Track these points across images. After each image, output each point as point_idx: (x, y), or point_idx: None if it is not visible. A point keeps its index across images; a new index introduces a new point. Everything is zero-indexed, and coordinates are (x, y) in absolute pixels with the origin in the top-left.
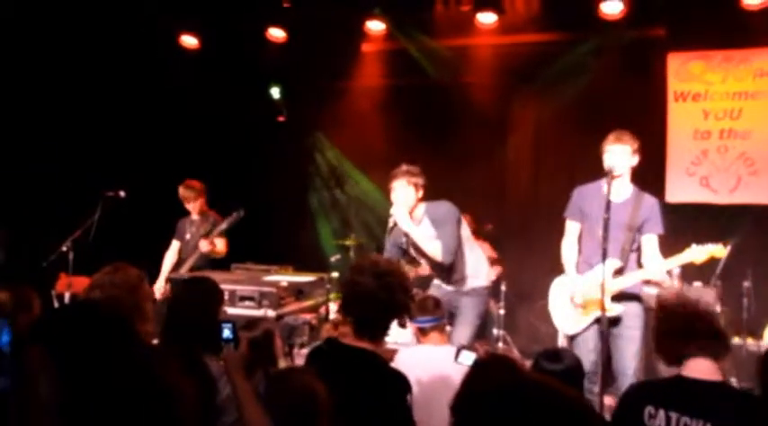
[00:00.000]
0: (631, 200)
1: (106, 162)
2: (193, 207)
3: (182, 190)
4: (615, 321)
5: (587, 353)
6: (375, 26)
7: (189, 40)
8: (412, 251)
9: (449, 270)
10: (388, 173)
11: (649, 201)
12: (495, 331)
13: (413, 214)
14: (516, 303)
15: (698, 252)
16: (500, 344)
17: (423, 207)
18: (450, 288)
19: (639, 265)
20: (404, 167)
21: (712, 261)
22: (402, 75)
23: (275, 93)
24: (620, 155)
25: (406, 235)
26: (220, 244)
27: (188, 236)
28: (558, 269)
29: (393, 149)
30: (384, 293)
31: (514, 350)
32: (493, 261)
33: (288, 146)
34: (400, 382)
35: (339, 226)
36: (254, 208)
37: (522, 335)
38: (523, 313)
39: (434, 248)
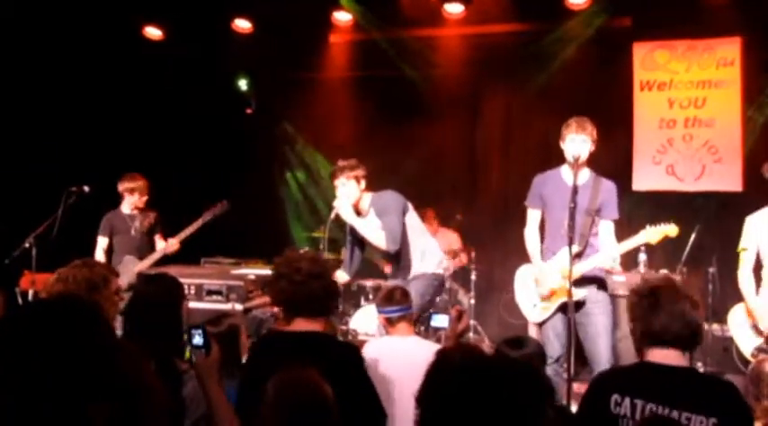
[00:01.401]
0: (590, 185)
1: (69, 156)
2: (139, 202)
3: (130, 183)
4: (579, 305)
5: (554, 339)
6: (342, 17)
7: (153, 32)
8: (359, 244)
9: (395, 259)
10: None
11: (607, 185)
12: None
13: (359, 206)
14: (487, 292)
15: (652, 233)
16: (471, 334)
17: (368, 197)
18: (399, 276)
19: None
20: (340, 163)
21: (678, 249)
22: (370, 66)
23: (243, 85)
24: (584, 143)
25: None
26: (175, 246)
27: (133, 232)
28: (528, 258)
29: (362, 140)
30: (296, 284)
31: (486, 339)
32: (459, 252)
33: (256, 138)
34: (352, 353)
35: (309, 218)
36: (223, 201)
37: (493, 324)
38: (494, 302)
39: (378, 237)
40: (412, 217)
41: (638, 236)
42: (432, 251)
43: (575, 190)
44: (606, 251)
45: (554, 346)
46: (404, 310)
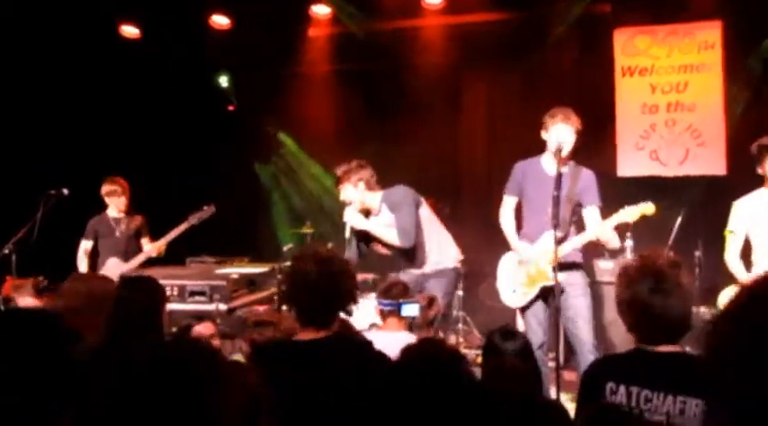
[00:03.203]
0: (570, 173)
1: (48, 159)
2: (120, 204)
3: (110, 187)
4: (561, 290)
5: (537, 327)
6: (320, 10)
7: (130, 31)
8: (375, 245)
9: (411, 254)
10: (340, 157)
11: (586, 174)
12: (454, 312)
13: (369, 205)
14: (474, 283)
15: (630, 212)
16: (460, 325)
17: (379, 195)
18: (416, 271)
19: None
20: (339, 170)
21: (664, 233)
22: (350, 59)
23: (223, 82)
24: (569, 134)
25: (365, 232)
26: (161, 248)
27: (117, 235)
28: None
29: (345, 134)
30: (326, 281)
31: (474, 330)
32: None
33: (239, 134)
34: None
35: (294, 214)
36: (208, 201)
37: (481, 315)
38: (482, 293)
39: (391, 236)
40: (425, 211)
41: (617, 215)
42: (448, 243)
43: (558, 177)
44: (591, 227)
45: (537, 333)
46: (394, 306)
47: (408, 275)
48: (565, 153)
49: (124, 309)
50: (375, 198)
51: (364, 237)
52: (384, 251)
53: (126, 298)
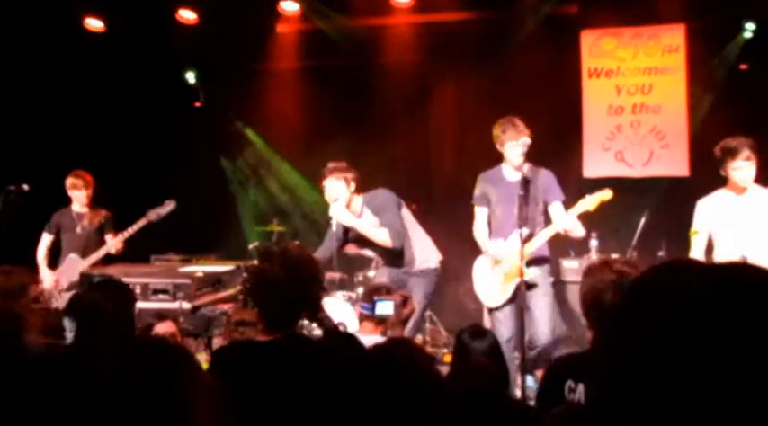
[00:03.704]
0: (529, 175)
1: (9, 154)
2: (83, 198)
3: (73, 180)
4: (529, 287)
5: (506, 321)
6: (289, 6)
7: (94, 23)
8: (348, 247)
9: (399, 254)
10: (307, 155)
11: (544, 173)
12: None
13: (350, 208)
14: (442, 282)
15: (591, 200)
16: (427, 325)
17: (360, 199)
18: (399, 270)
19: None
20: (331, 165)
21: (628, 233)
22: (319, 56)
23: (191, 77)
24: (521, 147)
25: (348, 229)
26: (120, 245)
27: (79, 230)
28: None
29: (313, 131)
30: (294, 287)
31: (441, 328)
32: None
33: (206, 131)
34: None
35: (261, 212)
36: (175, 197)
37: (448, 313)
38: (449, 292)
39: (383, 235)
40: (405, 212)
41: (579, 205)
42: (429, 243)
43: (524, 180)
44: (556, 222)
45: (505, 328)
46: (367, 309)
47: (390, 273)
48: (519, 163)
49: (91, 313)
50: (357, 200)
51: (344, 236)
52: (355, 251)
53: (92, 301)
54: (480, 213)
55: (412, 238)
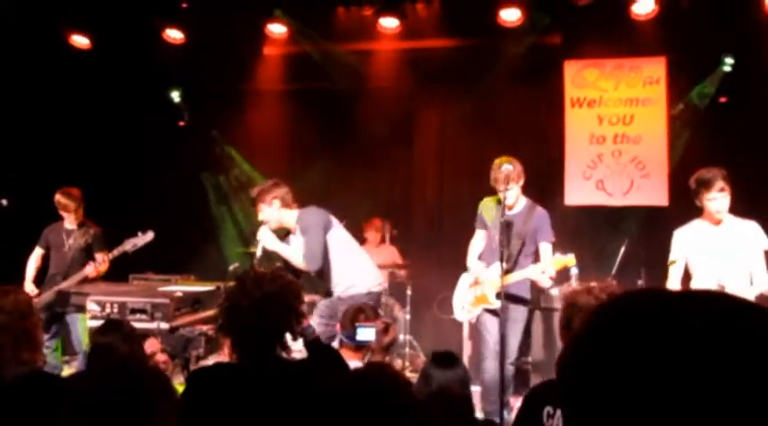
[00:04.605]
0: (524, 212)
1: None
2: (72, 216)
3: (61, 198)
4: (495, 313)
5: (487, 336)
6: (277, 29)
7: (80, 40)
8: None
9: (321, 278)
10: (290, 177)
11: (540, 212)
12: (401, 336)
13: (287, 225)
14: (422, 307)
15: (554, 261)
16: (407, 349)
17: (294, 214)
18: (332, 296)
19: None
20: (256, 189)
21: (608, 262)
22: (305, 79)
23: (175, 96)
24: (515, 190)
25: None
26: (104, 266)
27: (66, 248)
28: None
29: (296, 154)
30: (269, 321)
31: (421, 354)
32: (399, 267)
33: (189, 150)
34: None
35: (242, 233)
36: (156, 216)
37: (427, 339)
38: (429, 318)
39: (297, 259)
40: (340, 232)
41: (539, 265)
42: (366, 267)
43: (506, 224)
44: (529, 269)
45: (488, 343)
46: (348, 337)
47: (327, 301)
48: (511, 202)
49: (105, 354)
50: (292, 216)
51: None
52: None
53: (104, 345)
54: (478, 234)
55: (338, 261)
